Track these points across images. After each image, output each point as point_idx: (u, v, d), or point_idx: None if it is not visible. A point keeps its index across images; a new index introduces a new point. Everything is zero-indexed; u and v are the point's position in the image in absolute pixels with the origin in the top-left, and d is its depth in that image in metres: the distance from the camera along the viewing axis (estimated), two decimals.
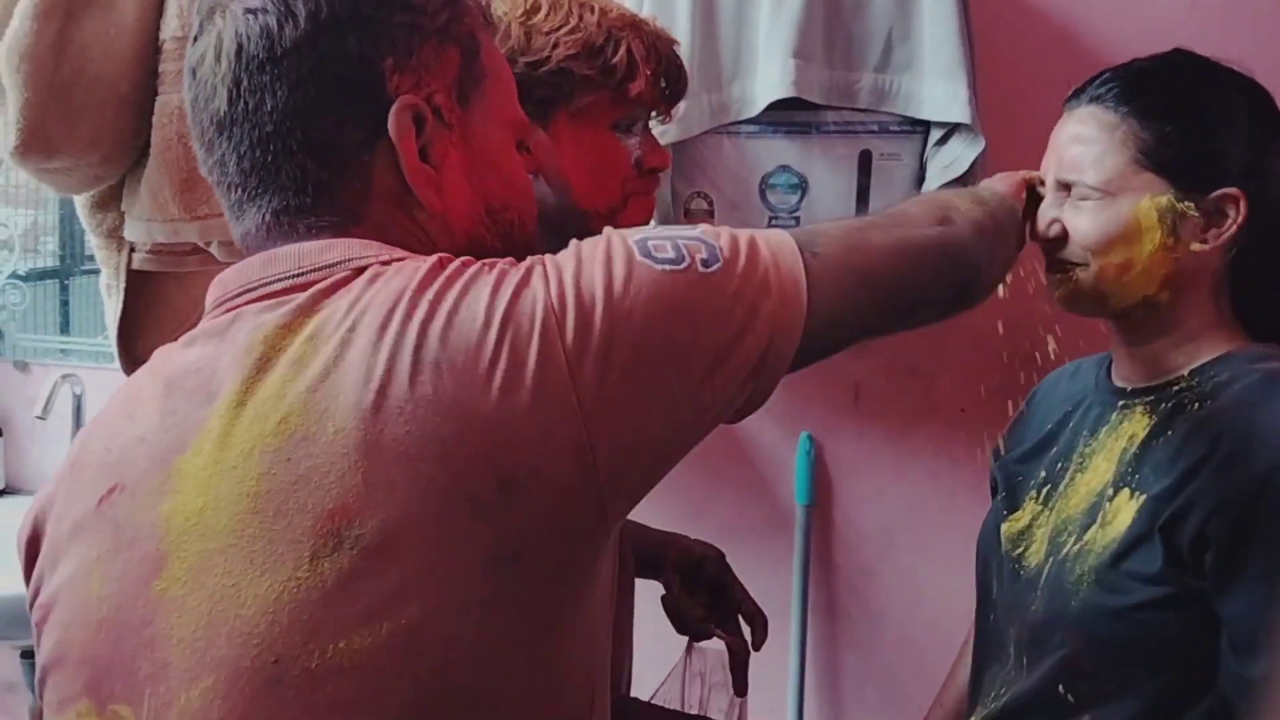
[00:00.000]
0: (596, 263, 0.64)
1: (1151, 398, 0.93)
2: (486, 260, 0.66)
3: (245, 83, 0.67)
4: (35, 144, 1.20)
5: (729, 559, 1.18)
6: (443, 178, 0.71)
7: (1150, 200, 0.89)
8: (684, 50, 1.07)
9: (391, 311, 0.62)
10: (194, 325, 0.70)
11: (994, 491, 1.11)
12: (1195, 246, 0.90)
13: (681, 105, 1.12)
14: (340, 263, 0.66)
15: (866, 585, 1.70)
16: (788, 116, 1.41)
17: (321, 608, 0.58)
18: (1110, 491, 0.92)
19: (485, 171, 0.74)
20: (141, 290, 1.35)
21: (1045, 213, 0.95)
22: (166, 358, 0.70)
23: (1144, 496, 0.88)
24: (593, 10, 1.00)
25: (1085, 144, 0.92)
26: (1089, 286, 0.92)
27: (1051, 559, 0.94)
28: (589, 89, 0.99)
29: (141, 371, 0.72)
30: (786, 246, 0.69)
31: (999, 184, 0.95)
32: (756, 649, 1.12)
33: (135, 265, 1.33)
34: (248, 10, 0.68)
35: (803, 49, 1.35)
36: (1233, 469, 0.83)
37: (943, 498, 1.62)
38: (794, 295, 0.67)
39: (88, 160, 1.24)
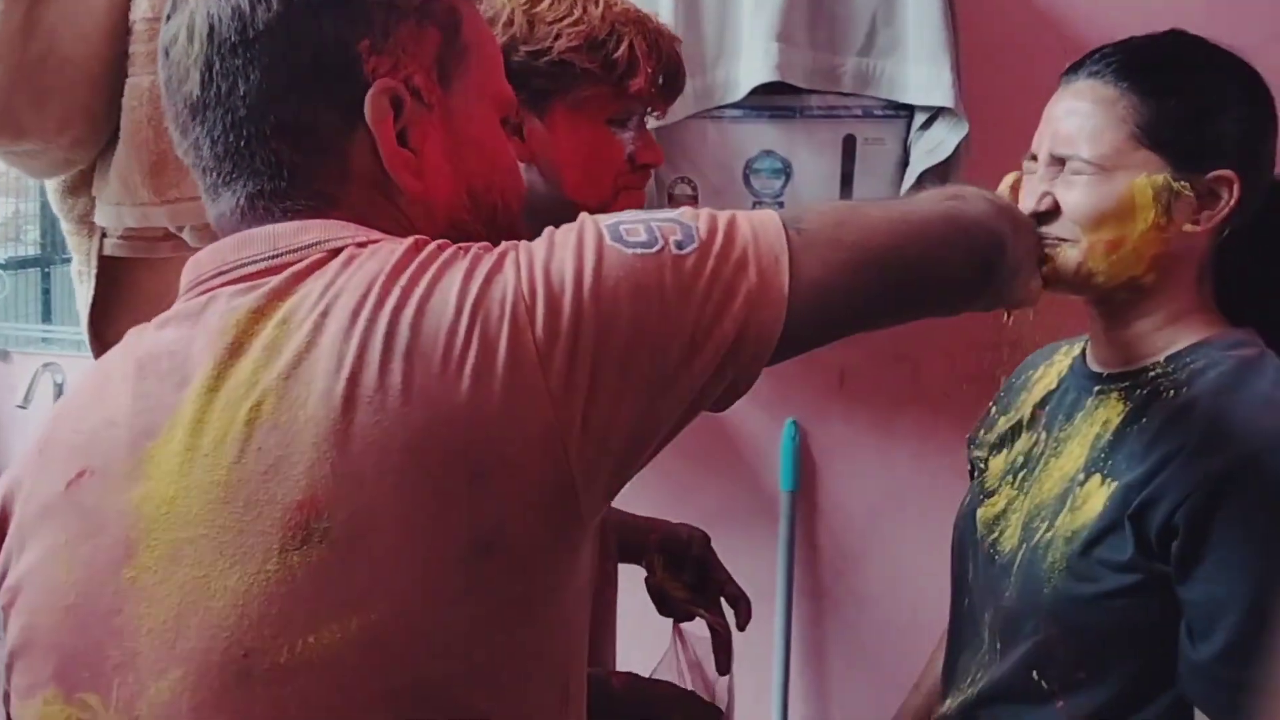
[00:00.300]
0: (568, 248, 0.63)
1: (1127, 384, 0.93)
2: (462, 244, 0.65)
3: (218, 65, 0.66)
4: (3, 126, 1.18)
5: (714, 544, 1.18)
6: (422, 161, 0.70)
7: (1146, 178, 0.88)
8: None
9: (364, 297, 0.61)
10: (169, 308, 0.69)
11: (972, 476, 1.11)
12: (1187, 228, 0.89)
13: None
14: (315, 244, 0.65)
15: (851, 569, 1.71)
16: (771, 101, 1.41)
17: (291, 601, 0.57)
18: (1081, 477, 0.92)
19: (467, 152, 0.72)
20: (114, 277, 1.34)
21: (1036, 187, 0.93)
22: (139, 338, 0.69)
23: (1116, 484, 0.88)
24: (597, 3, 1.00)
25: (1082, 118, 0.91)
26: (1076, 264, 0.91)
27: (1025, 544, 0.94)
28: (588, 82, 0.99)
29: (114, 351, 0.70)
30: (771, 224, 0.67)
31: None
32: (741, 629, 1.12)
33: (107, 251, 1.32)
34: None
35: (786, 32, 1.35)
36: (1202, 458, 0.83)
37: (927, 482, 1.62)
38: (773, 273, 0.65)
39: (57, 143, 1.23)
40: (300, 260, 0.64)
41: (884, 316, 0.75)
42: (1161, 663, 0.87)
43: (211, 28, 0.66)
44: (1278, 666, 0.79)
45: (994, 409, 1.12)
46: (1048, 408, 1.03)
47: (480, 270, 0.62)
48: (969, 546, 1.04)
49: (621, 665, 1.17)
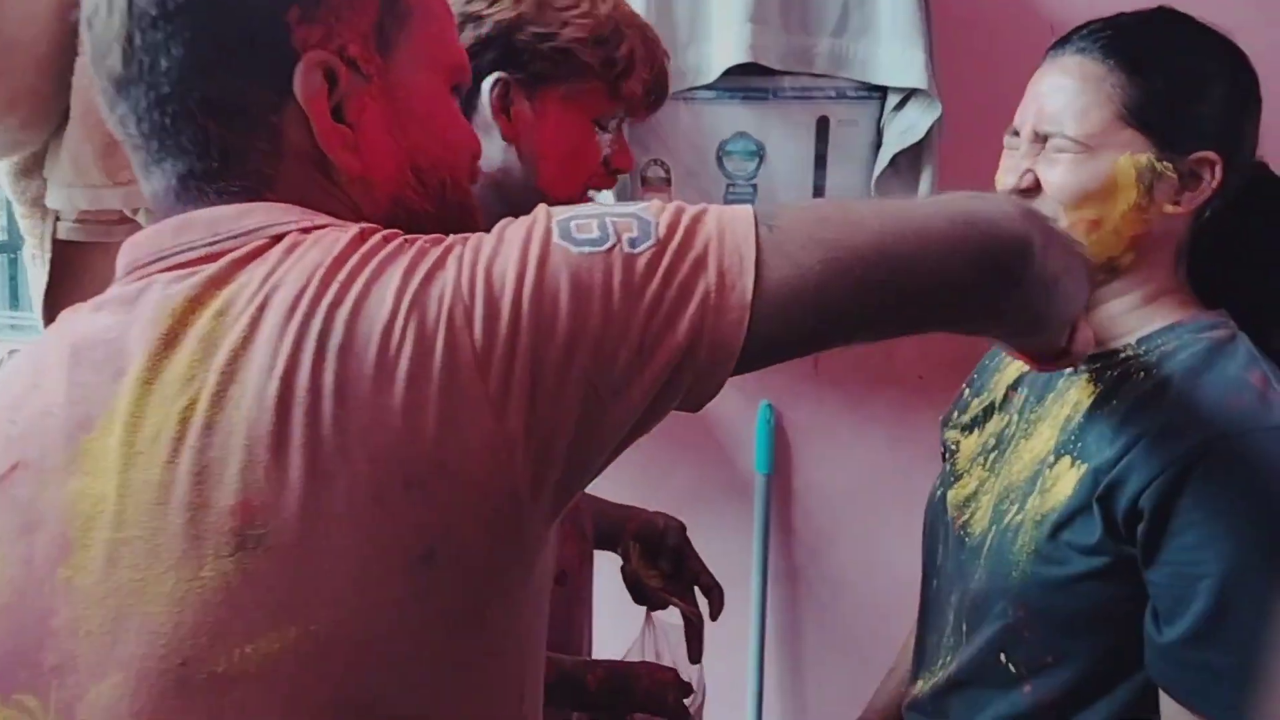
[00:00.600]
0: (514, 245, 0.59)
1: (1098, 365, 0.93)
2: (409, 237, 0.62)
3: (139, 40, 0.62)
4: None
5: (690, 527, 1.18)
6: (361, 137, 0.65)
7: (1129, 158, 0.88)
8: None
9: (301, 292, 0.58)
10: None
11: (944, 458, 1.11)
12: (1168, 209, 0.89)
13: None
14: (257, 230, 0.62)
15: (825, 551, 1.71)
16: (744, 82, 1.40)
17: (226, 609, 0.55)
18: (1052, 459, 0.92)
19: (411, 126, 0.68)
20: (68, 261, 1.31)
21: (1018, 164, 0.92)
22: (74, 321, 0.65)
23: (1086, 466, 0.88)
24: (605, 0, 0.99)
25: (1068, 95, 0.90)
26: None
27: (995, 527, 0.94)
28: (586, 76, 0.98)
29: (49, 334, 0.67)
30: (741, 219, 0.62)
31: None
32: (713, 619, 1.12)
33: (61, 235, 1.28)
34: None
35: (759, 13, 1.34)
36: (1168, 440, 0.83)
37: (901, 464, 1.63)
38: (736, 273, 0.60)
39: (5, 124, 1.20)
40: (240, 247, 0.61)
41: (875, 326, 0.67)
42: (1129, 646, 0.87)
43: (130, 0, 0.63)
44: (1277, 663, 0.79)
45: (967, 390, 1.12)
46: (1020, 389, 1.03)
47: (421, 267, 0.59)
48: (940, 529, 1.04)
49: (597, 653, 1.17)
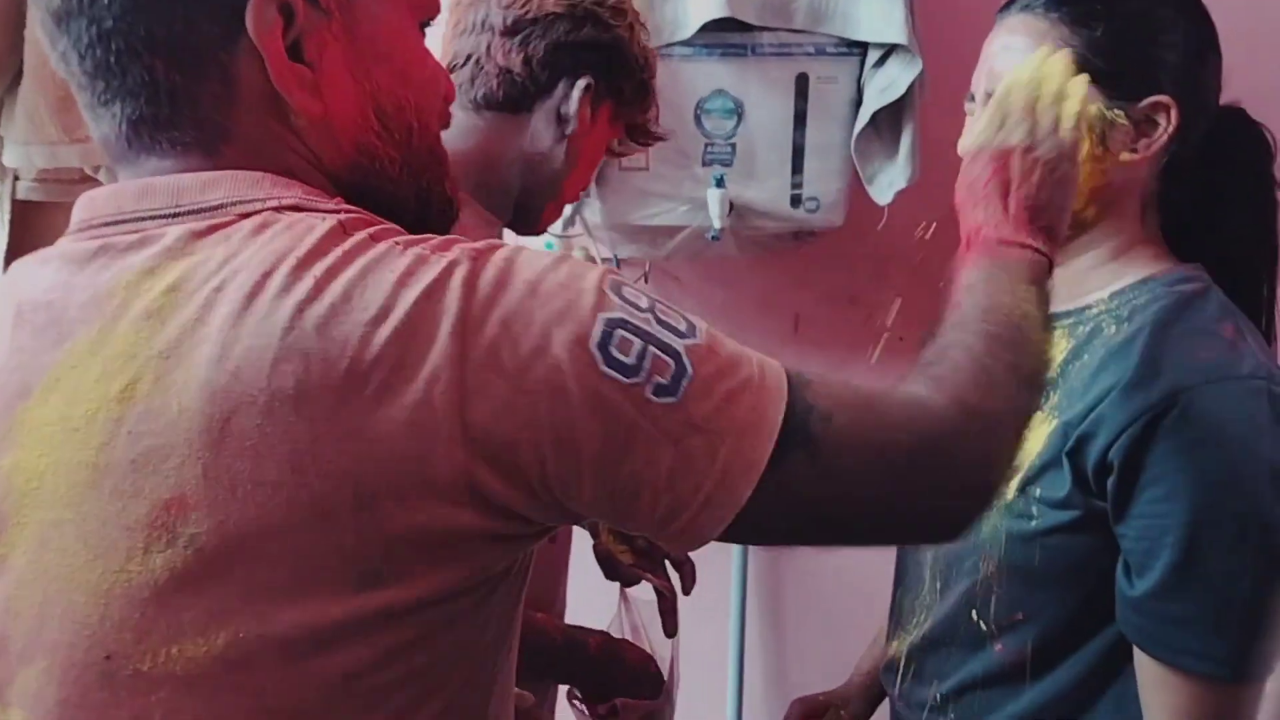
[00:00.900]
0: (543, 323, 0.55)
1: (1070, 320, 0.92)
2: (401, 239, 0.57)
3: None
4: None
5: None
6: (321, 77, 0.61)
7: None
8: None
9: (266, 279, 0.54)
10: None
11: None
12: (1125, 156, 0.88)
13: None
14: (224, 205, 0.58)
15: None
16: (722, 39, 1.37)
17: (153, 607, 0.53)
18: None
19: (374, 65, 0.63)
20: (30, 223, 1.29)
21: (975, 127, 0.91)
22: (22, 277, 0.62)
23: (1057, 420, 0.87)
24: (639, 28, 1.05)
25: (1016, 54, 0.89)
26: None
27: None
28: (634, 104, 1.04)
29: None
30: (766, 433, 0.58)
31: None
32: (685, 594, 1.12)
33: (21, 195, 1.26)
34: None
35: None
36: (1137, 393, 0.83)
37: None
38: (736, 481, 0.57)
39: None
40: (202, 220, 0.58)
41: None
42: (1099, 601, 0.87)
43: None
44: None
45: None
46: None
47: (419, 279, 0.54)
48: None
49: None
